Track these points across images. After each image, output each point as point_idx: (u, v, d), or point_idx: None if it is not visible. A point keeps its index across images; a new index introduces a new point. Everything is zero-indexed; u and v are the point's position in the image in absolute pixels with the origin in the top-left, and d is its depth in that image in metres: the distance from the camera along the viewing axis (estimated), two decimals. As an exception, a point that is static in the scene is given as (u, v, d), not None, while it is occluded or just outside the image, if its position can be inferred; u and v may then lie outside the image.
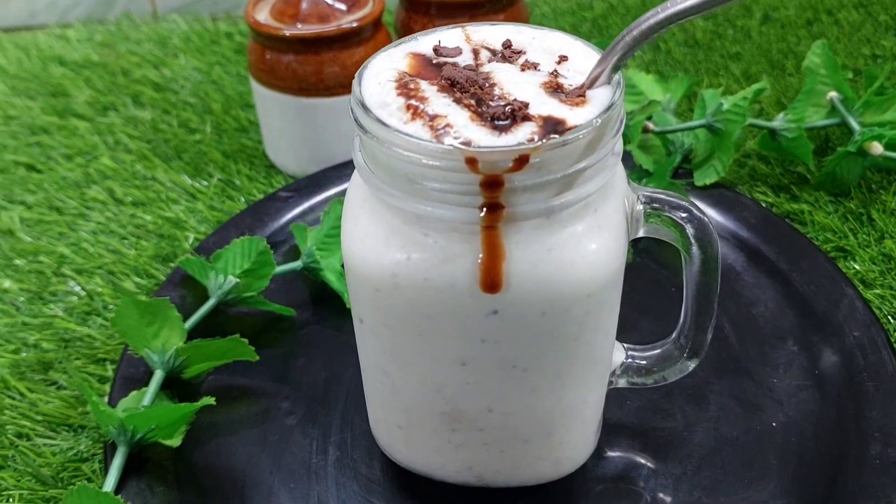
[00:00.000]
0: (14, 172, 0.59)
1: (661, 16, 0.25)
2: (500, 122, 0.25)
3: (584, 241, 0.27)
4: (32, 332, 0.46)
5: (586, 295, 0.28)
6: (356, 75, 0.28)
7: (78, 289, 0.48)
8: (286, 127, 0.55)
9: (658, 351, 0.36)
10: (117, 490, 0.35)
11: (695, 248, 0.31)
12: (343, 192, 0.52)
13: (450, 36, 0.30)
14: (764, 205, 0.52)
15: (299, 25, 0.52)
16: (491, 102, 0.26)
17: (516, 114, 0.25)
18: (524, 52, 0.29)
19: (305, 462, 0.38)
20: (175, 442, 0.37)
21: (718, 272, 0.32)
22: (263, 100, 0.55)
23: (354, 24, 0.52)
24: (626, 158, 0.52)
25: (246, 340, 0.39)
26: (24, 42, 0.76)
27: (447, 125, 0.25)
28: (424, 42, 0.30)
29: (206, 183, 0.57)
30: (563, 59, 0.29)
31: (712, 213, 0.49)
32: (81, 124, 0.64)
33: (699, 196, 0.50)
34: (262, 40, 0.53)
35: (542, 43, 0.30)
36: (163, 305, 0.39)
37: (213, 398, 0.36)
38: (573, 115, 0.25)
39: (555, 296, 0.27)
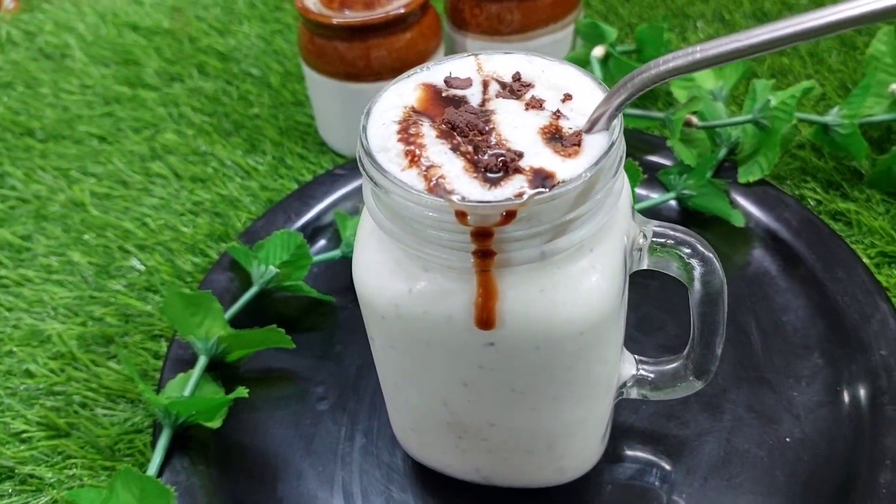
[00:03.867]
0: (88, 144, 0.63)
1: (654, 72, 0.25)
2: (492, 175, 0.26)
3: (577, 282, 0.28)
4: (98, 306, 0.50)
5: (578, 333, 0.29)
6: (364, 112, 0.29)
7: (139, 265, 0.52)
8: (335, 109, 0.57)
9: (667, 367, 0.36)
10: (163, 466, 0.39)
11: (697, 284, 0.31)
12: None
13: (462, 65, 0.31)
14: (812, 202, 0.50)
15: (346, 12, 0.53)
16: (488, 149, 0.27)
17: (508, 165, 0.26)
18: (532, 86, 0.30)
19: (333, 448, 0.41)
20: (216, 424, 0.40)
21: (723, 304, 0.32)
22: (313, 82, 0.57)
23: (401, 10, 0.52)
24: (668, 152, 0.51)
25: (283, 330, 0.42)
26: (102, 8, 0.80)
27: (441, 176, 0.26)
28: (437, 71, 0.31)
29: (260, 160, 0.59)
30: (567, 97, 0.29)
31: (753, 211, 0.48)
32: (149, 95, 0.67)
33: (742, 193, 0.49)
34: (310, 25, 0.54)
35: (550, 77, 0.30)
36: (205, 298, 0.42)
37: (247, 389, 0.39)
38: (564, 168, 0.26)
39: (547, 333, 0.28)
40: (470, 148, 0.27)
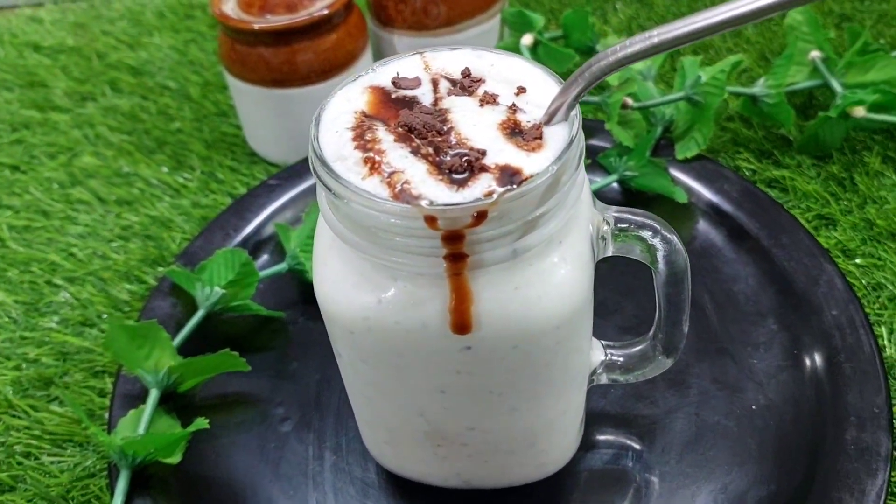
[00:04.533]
0: (0, 174, 0.59)
1: (613, 58, 0.25)
2: (458, 176, 0.25)
3: (550, 276, 0.28)
4: (31, 346, 0.47)
5: (555, 327, 0.28)
6: (313, 119, 0.28)
7: (71, 298, 0.49)
8: (263, 118, 0.55)
9: (635, 349, 0.36)
10: (124, 509, 0.37)
11: (662, 265, 0.31)
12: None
13: (408, 65, 0.30)
14: (747, 173, 0.51)
15: (268, 16, 0.51)
16: (449, 150, 0.26)
17: (473, 165, 0.25)
18: (483, 81, 0.29)
19: (303, 469, 0.39)
20: (175, 459, 0.38)
21: (688, 283, 0.32)
22: (238, 91, 0.55)
23: (325, 12, 0.50)
24: (607, 136, 0.51)
25: (236, 354, 0.40)
26: (-5, 28, 0.75)
27: (405, 181, 0.25)
28: (383, 73, 0.30)
29: (188, 176, 0.57)
30: (521, 90, 0.28)
31: (694, 186, 0.49)
32: (61, 118, 0.63)
33: (681, 169, 0.50)
34: (230, 33, 0.52)
35: (501, 71, 0.29)
36: (151, 328, 0.40)
37: (207, 420, 0.37)
38: (529, 163, 0.25)
39: (524, 331, 0.28)
40: (430, 150, 0.26)
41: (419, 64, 0.30)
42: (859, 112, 0.48)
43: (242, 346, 0.42)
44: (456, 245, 0.25)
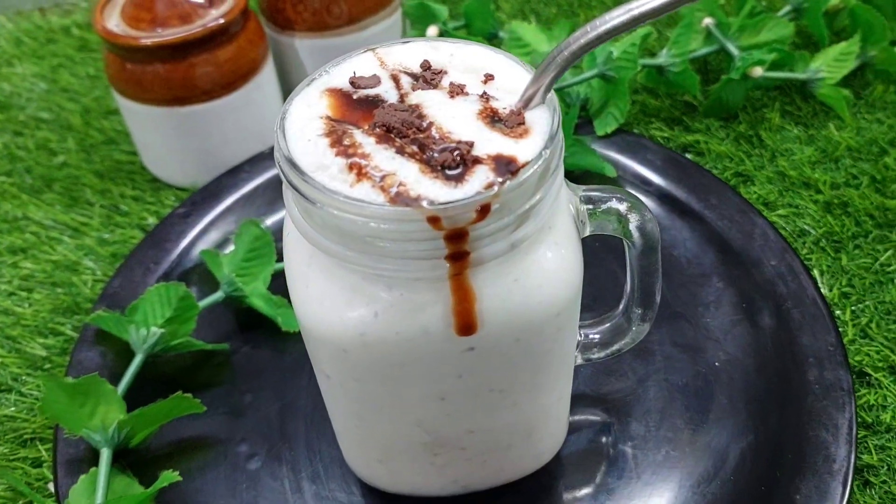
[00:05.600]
0: None
1: (593, 34, 0.24)
2: (452, 172, 0.24)
3: (547, 263, 0.27)
4: (-61, 425, 0.41)
5: (556, 314, 0.28)
6: (278, 130, 0.26)
7: (-23, 364, 0.44)
8: (164, 139, 0.51)
9: (608, 325, 0.36)
10: (94, 586, 0.33)
11: (636, 236, 0.31)
12: (243, 199, 0.50)
13: (362, 63, 0.28)
14: (661, 141, 0.53)
15: (159, 30, 0.47)
16: (434, 146, 0.25)
17: (465, 158, 0.24)
18: (445, 72, 0.28)
19: (282, 504, 0.37)
20: (142, 519, 0.35)
21: (659, 251, 0.33)
22: (133, 114, 0.51)
23: (221, 21, 0.47)
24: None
25: (190, 395, 0.37)
26: None
27: (400, 184, 0.24)
28: (337, 74, 0.28)
29: (87, 213, 0.52)
30: (489, 77, 0.27)
31: (619, 159, 0.50)
32: (-79, 166, 0.57)
33: (603, 145, 0.50)
34: (118, 51, 0.48)
35: (463, 60, 0.28)
36: (93, 383, 0.36)
37: (178, 472, 0.34)
38: (521, 150, 0.25)
39: (527, 323, 0.27)
40: (415, 148, 0.25)
41: (373, 61, 0.28)
42: (757, 72, 0.50)
43: (187, 385, 0.40)
44: (459, 244, 0.24)
